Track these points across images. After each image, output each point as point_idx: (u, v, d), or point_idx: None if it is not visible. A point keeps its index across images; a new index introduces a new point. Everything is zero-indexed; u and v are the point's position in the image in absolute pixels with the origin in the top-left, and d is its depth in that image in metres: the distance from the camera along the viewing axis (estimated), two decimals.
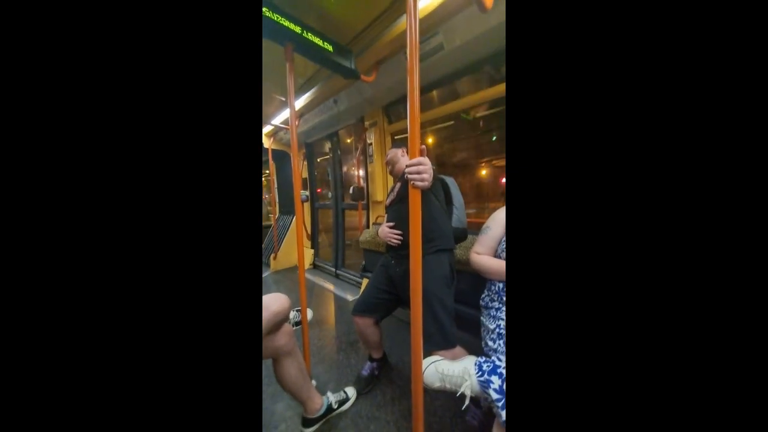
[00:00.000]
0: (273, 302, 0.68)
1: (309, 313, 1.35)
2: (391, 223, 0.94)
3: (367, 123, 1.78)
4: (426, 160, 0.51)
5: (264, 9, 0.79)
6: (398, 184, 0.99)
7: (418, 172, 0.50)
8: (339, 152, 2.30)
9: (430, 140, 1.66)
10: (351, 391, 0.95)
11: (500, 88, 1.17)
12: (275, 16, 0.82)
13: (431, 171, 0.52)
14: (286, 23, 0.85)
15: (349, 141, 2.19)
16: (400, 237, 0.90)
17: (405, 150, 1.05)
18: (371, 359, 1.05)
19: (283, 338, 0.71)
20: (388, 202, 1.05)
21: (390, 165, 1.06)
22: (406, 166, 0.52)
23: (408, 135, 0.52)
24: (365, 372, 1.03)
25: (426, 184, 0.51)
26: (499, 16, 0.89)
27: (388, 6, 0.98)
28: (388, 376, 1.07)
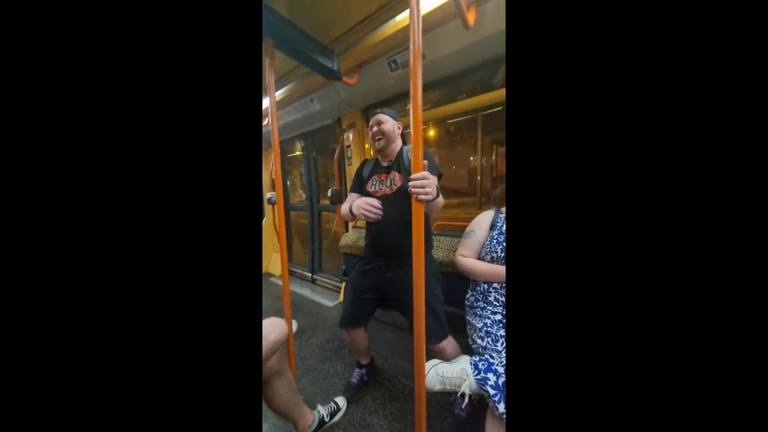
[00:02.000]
0: (272, 330, 0.63)
1: (294, 325, 1.27)
2: (374, 201, 0.81)
3: (345, 124, 1.74)
4: (429, 174, 0.53)
5: None
6: (397, 176, 0.84)
7: (422, 186, 0.52)
8: (314, 153, 2.21)
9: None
10: (341, 401, 0.94)
11: (472, 101, 1.26)
12: None
13: (435, 185, 0.54)
14: (268, 16, 0.79)
15: (344, 127, 2.07)
16: (379, 211, 0.79)
17: (401, 125, 0.91)
18: (359, 365, 1.04)
19: (272, 359, 0.67)
20: (377, 190, 0.87)
21: (383, 139, 0.85)
22: (410, 179, 0.53)
23: (411, 148, 0.53)
24: (354, 379, 1.02)
25: (430, 198, 0.53)
26: (481, 33, 0.95)
27: (375, 9, 0.98)
28: (376, 380, 1.07)
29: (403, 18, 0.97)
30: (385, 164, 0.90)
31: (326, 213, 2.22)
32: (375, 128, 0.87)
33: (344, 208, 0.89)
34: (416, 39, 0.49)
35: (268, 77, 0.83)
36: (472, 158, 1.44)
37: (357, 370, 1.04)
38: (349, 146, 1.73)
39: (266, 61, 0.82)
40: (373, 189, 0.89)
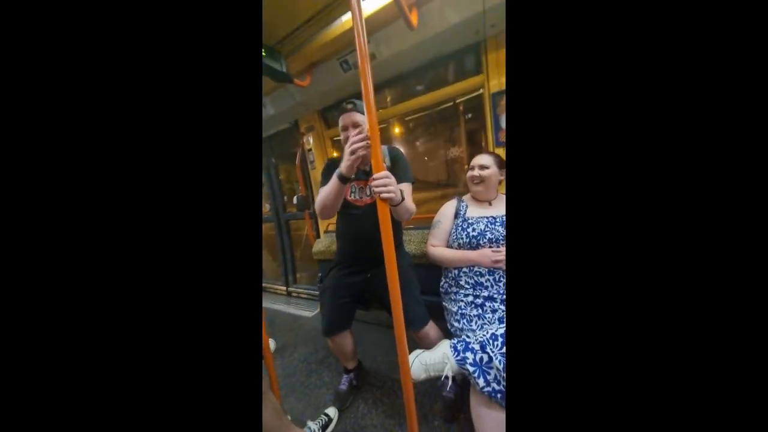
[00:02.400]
0: None
1: (271, 344, 1.19)
2: (354, 136, 0.62)
3: (303, 128, 1.68)
4: (390, 174, 0.54)
5: None
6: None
7: (385, 185, 0.53)
8: (273, 159, 2.10)
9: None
10: (332, 412, 0.91)
11: (417, 100, 1.30)
12: None
13: (398, 188, 0.55)
14: None
15: (302, 131, 1.90)
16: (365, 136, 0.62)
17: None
18: (347, 371, 1.03)
19: None
20: (357, 199, 0.81)
21: (363, 146, 0.65)
22: (373, 179, 0.53)
23: (371, 153, 0.53)
24: (343, 386, 1.00)
25: (393, 196, 0.54)
26: (425, 34, 1.00)
27: (320, 8, 0.96)
28: (366, 381, 1.07)
29: (349, 18, 0.96)
30: (364, 169, 0.82)
31: (294, 221, 2.12)
32: (354, 134, 0.68)
33: (319, 201, 0.74)
34: (361, 40, 0.50)
35: None
36: (454, 149, 1.37)
37: (345, 376, 1.02)
38: (310, 150, 1.67)
39: None
40: (353, 197, 0.83)
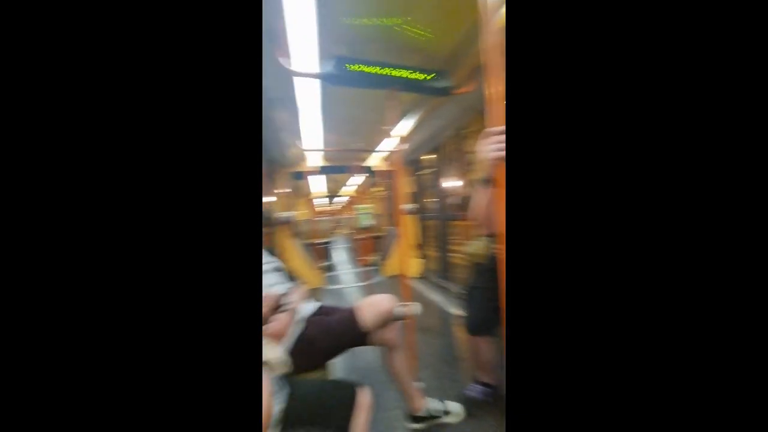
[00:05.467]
0: (381, 302, 0.83)
1: (418, 307, 1.39)
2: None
3: (466, 131, 1.73)
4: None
5: (361, 66, 0.97)
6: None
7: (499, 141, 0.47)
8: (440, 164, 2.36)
9: None
10: (455, 407, 0.92)
11: None
12: (373, 69, 0.99)
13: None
14: (385, 71, 1.02)
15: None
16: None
17: None
18: (478, 382, 0.97)
19: (389, 333, 0.83)
20: None
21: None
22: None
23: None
24: (470, 393, 0.96)
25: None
26: None
27: (475, 18, 0.96)
28: (498, 406, 0.93)
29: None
30: None
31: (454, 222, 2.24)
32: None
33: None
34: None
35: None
36: None
37: (473, 385, 0.97)
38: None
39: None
40: None
